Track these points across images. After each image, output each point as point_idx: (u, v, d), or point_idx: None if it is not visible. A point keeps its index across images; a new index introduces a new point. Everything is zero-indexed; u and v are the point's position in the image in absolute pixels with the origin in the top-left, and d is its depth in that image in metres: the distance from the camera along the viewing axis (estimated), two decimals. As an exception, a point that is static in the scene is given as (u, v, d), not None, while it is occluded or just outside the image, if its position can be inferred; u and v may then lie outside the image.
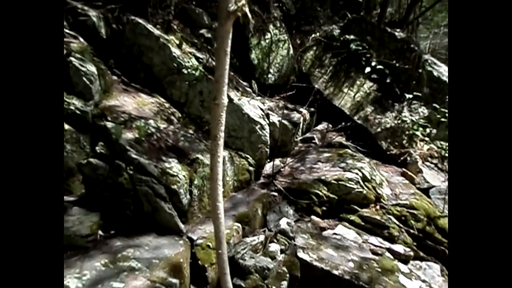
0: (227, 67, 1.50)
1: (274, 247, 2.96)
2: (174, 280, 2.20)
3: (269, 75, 5.27)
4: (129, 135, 2.90)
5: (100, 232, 2.57)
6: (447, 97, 5.04)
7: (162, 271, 2.24)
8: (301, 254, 2.95)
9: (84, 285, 2.03)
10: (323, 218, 3.68)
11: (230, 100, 3.76)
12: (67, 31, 3.49)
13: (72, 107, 3.11)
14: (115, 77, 3.72)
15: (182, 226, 2.70)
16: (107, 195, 2.68)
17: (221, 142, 1.59)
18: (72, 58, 3.19)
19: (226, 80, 1.53)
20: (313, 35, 5.71)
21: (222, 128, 1.58)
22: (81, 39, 3.50)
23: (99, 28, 3.77)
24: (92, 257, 2.28)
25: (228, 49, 1.45)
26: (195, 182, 2.95)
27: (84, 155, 3.09)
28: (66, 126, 3.05)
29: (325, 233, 3.44)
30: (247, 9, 1.33)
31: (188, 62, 3.85)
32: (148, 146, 2.93)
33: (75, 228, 2.45)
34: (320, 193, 3.73)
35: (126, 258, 2.30)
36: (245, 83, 4.67)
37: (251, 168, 3.77)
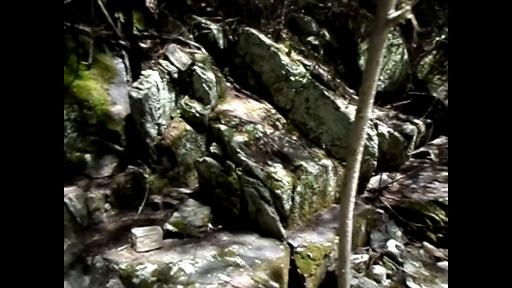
0: (377, 78, 1.41)
1: (379, 269, 2.69)
2: (275, 284, 2.22)
3: (379, 82, 4.91)
4: (239, 138, 3.09)
5: (210, 225, 2.79)
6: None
7: (264, 273, 2.28)
8: (411, 283, 2.61)
9: (196, 271, 2.22)
10: (438, 247, 3.18)
11: (337, 108, 3.64)
12: (192, 43, 3.96)
13: (193, 110, 3.49)
14: (228, 84, 4.04)
15: (283, 231, 2.71)
16: (218, 192, 2.90)
17: (359, 157, 1.50)
18: (196, 67, 3.60)
19: (374, 92, 1.43)
20: (436, 39, 5.08)
21: (363, 143, 1.49)
22: (203, 50, 3.92)
23: (218, 40, 4.16)
24: (203, 247, 2.49)
25: (381, 60, 1.36)
26: (298, 189, 2.94)
27: (199, 153, 3.43)
28: (188, 127, 3.44)
29: (440, 264, 2.97)
30: (411, 15, 1.22)
31: (296, 69, 3.90)
32: (256, 150, 3.06)
33: (190, 218, 2.73)
34: (436, 217, 3.25)
35: (232, 253, 2.43)
36: (351, 91, 4.46)
37: (354, 180, 3.55)
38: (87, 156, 3.08)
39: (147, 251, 2.42)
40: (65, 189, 2.81)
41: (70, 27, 3.47)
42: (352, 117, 3.65)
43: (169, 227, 2.61)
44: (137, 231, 2.48)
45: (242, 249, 2.50)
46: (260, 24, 4.40)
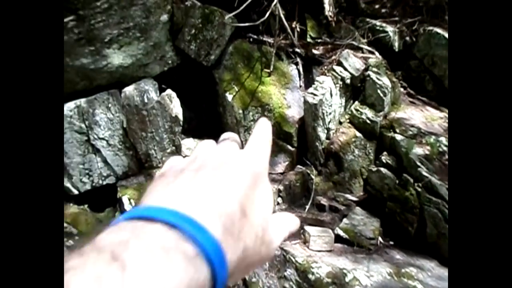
0: None
1: None
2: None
3: None
4: (419, 150, 2.82)
5: (380, 238, 2.68)
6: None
7: (452, 309, 2.01)
8: None
9: (372, 285, 2.17)
10: None
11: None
12: (365, 47, 3.87)
13: (363, 117, 3.42)
14: (402, 89, 3.75)
15: (474, 265, 2.32)
16: (390, 205, 2.75)
17: None
18: (370, 72, 3.50)
19: None
20: None
21: None
22: (377, 54, 3.77)
23: (393, 42, 3.91)
24: (376, 261, 2.41)
25: None
26: (495, 218, 2.44)
27: (367, 161, 3.34)
28: (357, 133, 3.40)
29: None
30: None
31: (495, 73, 3.24)
32: (439, 166, 2.72)
33: (360, 227, 2.69)
34: None
35: (409, 276, 2.26)
36: None
37: None
38: (264, 153, 3.49)
39: (319, 251, 2.54)
40: (247, 180, 3.27)
41: (255, 39, 3.98)
42: None
43: (340, 232, 2.65)
44: (311, 230, 2.63)
45: (421, 274, 2.28)
46: (444, 22, 3.87)
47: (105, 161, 3.14)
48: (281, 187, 3.23)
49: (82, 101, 3.09)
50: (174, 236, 0.23)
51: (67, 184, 3.08)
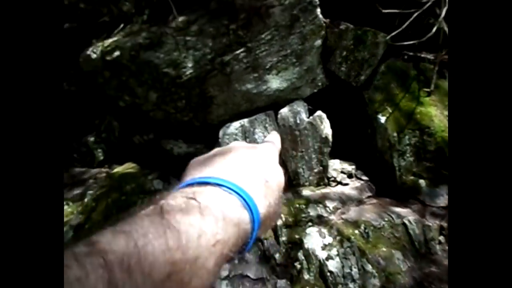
0: None
1: None
2: None
3: None
4: None
5: None
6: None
7: None
8: None
9: None
10: None
11: None
12: None
13: None
14: None
15: None
16: None
17: None
18: None
19: None
20: None
21: None
22: None
23: None
24: None
25: None
26: None
27: None
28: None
29: None
30: None
31: None
32: None
33: None
34: None
35: None
36: None
37: None
38: (421, 182, 3.11)
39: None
40: (401, 210, 2.98)
41: (411, 56, 3.68)
42: None
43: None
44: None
45: None
46: None
47: (259, 175, 3.46)
48: (445, 224, 2.80)
49: (245, 121, 3.52)
50: (224, 192, 0.34)
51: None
